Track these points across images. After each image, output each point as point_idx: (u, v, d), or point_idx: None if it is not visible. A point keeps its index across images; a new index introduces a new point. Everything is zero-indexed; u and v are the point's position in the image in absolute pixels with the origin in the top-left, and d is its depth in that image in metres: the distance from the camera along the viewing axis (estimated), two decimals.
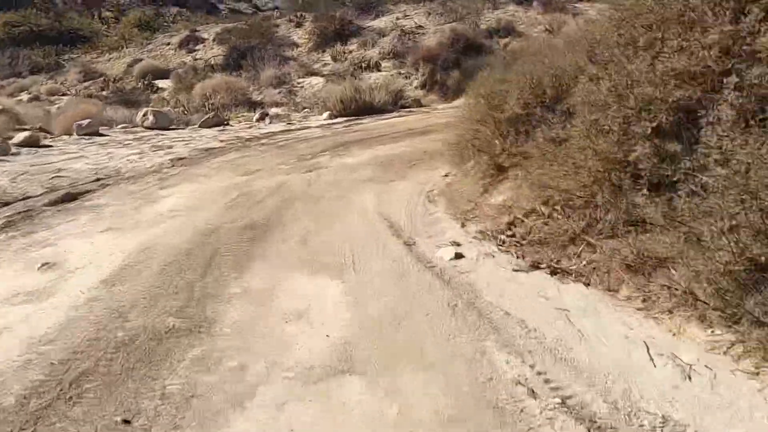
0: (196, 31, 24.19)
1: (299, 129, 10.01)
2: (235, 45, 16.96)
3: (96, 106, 12.71)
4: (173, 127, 10.43)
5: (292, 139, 8.93)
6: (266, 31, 20.07)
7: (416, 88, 13.05)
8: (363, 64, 14.50)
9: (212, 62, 17.15)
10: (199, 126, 10.54)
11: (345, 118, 11.07)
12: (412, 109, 11.86)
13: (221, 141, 8.74)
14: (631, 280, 2.90)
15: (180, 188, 5.46)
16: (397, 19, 18.91)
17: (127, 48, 24.92)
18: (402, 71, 13.85)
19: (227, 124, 10.78)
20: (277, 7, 31.73)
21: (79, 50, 25.65)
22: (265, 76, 14.25)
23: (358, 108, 11.41)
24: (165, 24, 29.02)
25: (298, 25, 21.43)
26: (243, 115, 12.61)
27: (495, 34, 15.86)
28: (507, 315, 2.72)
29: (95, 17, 30.40)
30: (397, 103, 11.99)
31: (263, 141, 8.73)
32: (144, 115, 9.94)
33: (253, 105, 13.63)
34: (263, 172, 6.31)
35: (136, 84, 17.85)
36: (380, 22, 19.05)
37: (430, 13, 18.23)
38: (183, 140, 8.80)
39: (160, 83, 18.27)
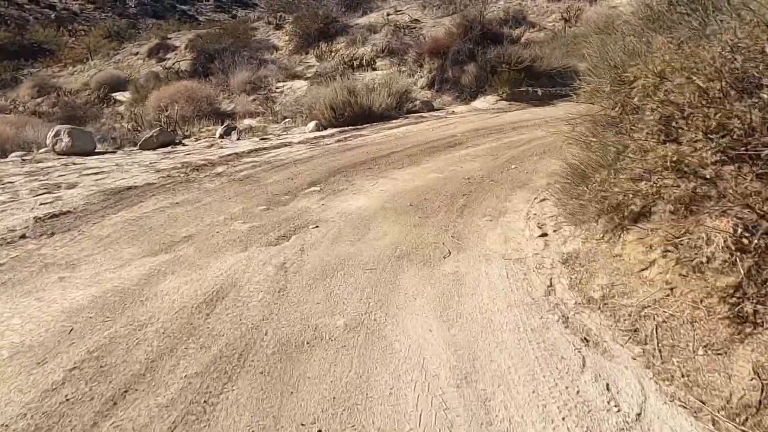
0: (167, 38, 20.66)
1: (276, 147, 6.68)
2: (203, 48, 13.49)
3: (16, 125, 9.21)
4: (101, 150, 7.03)
5: (263, 163, 5.60)
6: (242, 34, 16.66)
7: (422, 87, 9.79)
8: (354, 63, 11.18)
9: (177, 68, 13.67)
10: (139, 147, 7.15)
11: (337, 129, 7.79)
12: (422, 115, 8.58)
13: (157, 171, 5.38)
14: None
15: None
16: (388, 14, 15.64)
17: (93, 60, 21.28)
18: (403, 68, 10.57)
19: (179, 143, 7.40)
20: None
21: (41, 64, 21.86)
22: (236, 81, 10.85)
23: (353, 115, 8.14)
24: (137, 34, 25.32)
25: (278, 27, 18.06)
26: (208, 129, 9.23)
27: (504, 25, 12.68)
28: None
29: (61, 29, 26.51)
30: (401, 107, 8.72)
31: (219, 169, 5.38)
32: (55, 136, 6.52)
33: (221, 116, 10.24)
34: (193, 246, 2.99)
35: (92, 97, 14.29)
36: (368, 19, 15.78)
37: (425, 6, 14.98)
38: (99, 173, 5.42)
39: (122, 95, 14.75)
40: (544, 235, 3.16)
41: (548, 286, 2.40)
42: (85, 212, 3.79)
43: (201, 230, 3.29)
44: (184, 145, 7.36)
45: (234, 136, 7.65)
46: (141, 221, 3.49)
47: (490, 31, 9.96)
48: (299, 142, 6.94)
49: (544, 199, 3.99)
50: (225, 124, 8.16)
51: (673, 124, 2.01)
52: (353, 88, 8.44)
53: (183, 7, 39.17)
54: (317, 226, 3.33)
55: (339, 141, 6.88)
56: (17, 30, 24.88)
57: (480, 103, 8.97)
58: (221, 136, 7.77)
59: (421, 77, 9.90)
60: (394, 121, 8.25)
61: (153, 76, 13.82)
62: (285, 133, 8.16)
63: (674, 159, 1.88)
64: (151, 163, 5.97)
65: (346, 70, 10.71)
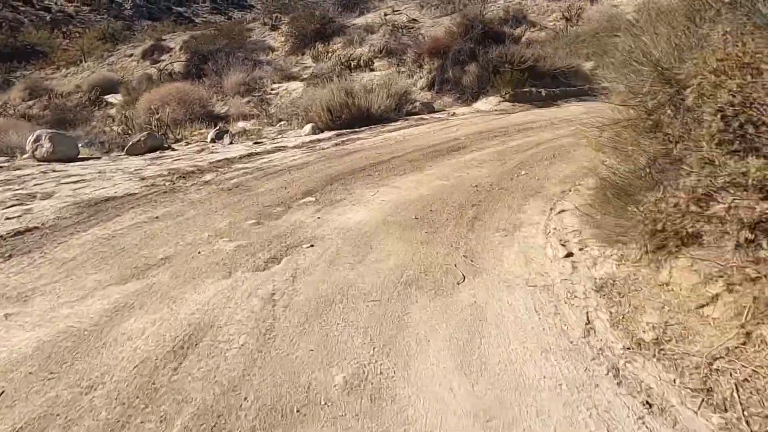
0: (161, 40, 20.19)
1: (270, 152, 6.26)
2: (197, 49, 13.04)
3: (0, 129, 8.74)
4: (85, 155, 6.59)
5: (255, 170, 5.19)
6: (237, 35, 16.23)
7: (422, 88, 9.38)
8: (352, 63, 10.77)
9: (170, 69, 13.22)
10: (126, 152, 6.72)
11: (334, 132, 7.38)
12: (423, 117, 8.17)
13: (141, 180, 4.96)
14: None
15: None
16: (385, 14, 15.23)
17: (86, 62, 20.78)
18: (402, 69, 10.16)
19: (168, 148, 6.97)
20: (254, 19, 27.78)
21: (34, 66, 21.35)
22: (230, 83, 10.41)
23: (351, 117, 7.72)
24: (132, 36, 24.83)
25: (274, 28, 17.62)
26: (200, 133, 8.80)
27: (504, 24, 12.29)
28: None
29: (55, 31, 25.96)
30: (401, 108, 8.32)
31: (208, 177, 4.96)
32: (35, 142, 6.07)
33: (215, 119, 9.81)
34: (170, 271, 2.57)
35: (83, 100, 13.82)
36: (365, 19, 15.37)
37: (423, 6, 14.58)
38: (80, 181, 4.99)
39: (114, 98, 14.27)
40: (570, 255, 2.75)
41: (586, 324, 2.00)
42: (53, 228, 3.36)
43: (180, 251, 2.87)
44: (173, 149, 6.92)
45: (226, 140, 7.22)
46: (114, 240, 3.06)
47: (491, 30, 9.56)
48: (294, 147, 6.52)
49: (562, 211, 3.59)
50: (217, 128, 7.73)
51: (749, 130, 1.61)
52: (351, 90, 8.03)
53: (179, 9, 38.63)
54: (312, 245, 2.92)
55: (336, 145, 6.46)
56: (10, 32, 24.34)
57: (482, 104, 8.57)
58: (213, 140, 7.34)
59: (421, 78, 9.49)
60: (393, 123, 7.84)
61: (145, 78, 13.37)
62: (280, 136, 7.74)
63: (759, 176, 1.47)
64: (136, 169, 5.54)
65: (343, 71, 10.29)
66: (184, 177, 4.99)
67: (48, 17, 35.36)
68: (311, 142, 6.80)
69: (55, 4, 38.20)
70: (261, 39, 17.05)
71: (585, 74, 9.66)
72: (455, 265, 2.66)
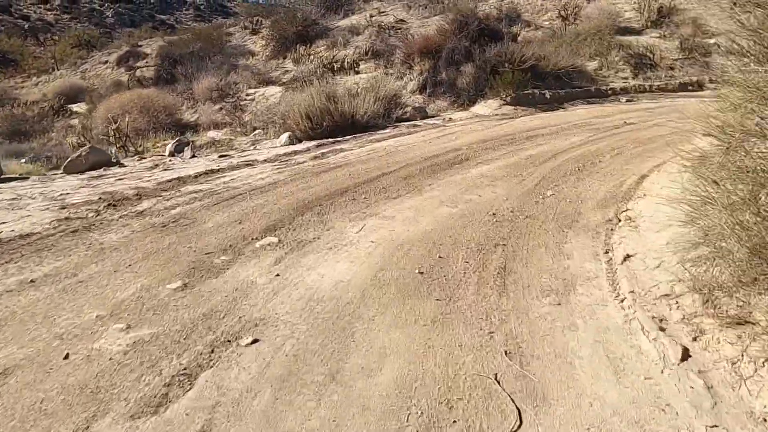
0: (137, 45, 18.81)
1: (234, 168, 5.04)
2: (168, 53, 11.75)
3: None
4: (10, 176, 5.30)
5: (208, 194, 3.97)
6: (216, 39, 14.95)
7: (412, 91, 8.23)
8: (335, 66, 9.58)
9: (140, 75, 11.90)
10: (63, 170, 5.46)
11: (314, 142, 6.19)
12: (416, 123, 7.01)
13: (61, 209, 3.72)
14: None
15: None
16: (371, 16, 14.08)
17: (59, 70, 19.31)
18: (390, 71, 9.00)
19: (116, 164, 5.71)
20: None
21: (3, 74, 19.78)
22: (200, 88, 9.16)
23: (333, 124, 6.54)
24: (110, 42, 23.36)
25: (254, 32, 16.36)
26: (164, 144, 7.54)
27: (498, 23, 11.23)
28: None
29: (28, 38, 24.38)
30: (390, 114, 7.15)
31: (144, 205, 3.73)
32: None
33: (183, 128, 8.56)
34: None
35: (45, 109, 12.41)
36: (350, 21, 14.20)
37: (411, 7, 13.46)
38: None
39: (79, 107, 12.88)
40: (686, 354, 1.61)
41: None
42: None
43: (33, 355, 1.66)
44: (122, 165, 5.67)
45: (187, 153, 5.99)
46: None
47: (488, 27, 8.46)
48: (265, 161, 5.32)
49: (627, 257, 2.45)
50: (176, 139, 6.49)
51: None
52: (333, 94, 6.85)
53: (162, 16, 37.12)
54: (256, 340, 1.73)
55: (315, 158, 5.28)
56: None
57: (481, 108, 7.45)
58: (172, 154, 6.10)
59: (411, 80, 8.34)
60: (382, 131, 6.67)
61: (114, 85, 12.04)
62: (252, 147, 6.53)
63: None
64: (62, 194, 4.29)
65: (326, 74, 9.10)
66: (115, 205, 3.75)
67: (26, 25, 33.59)
68: (286, 154, 5.60)
69: (35, 12, 36.41)
70: (241, 43, 15.80)
71: (590, 75, 8.64)
72: (497, 379, 1.50)
